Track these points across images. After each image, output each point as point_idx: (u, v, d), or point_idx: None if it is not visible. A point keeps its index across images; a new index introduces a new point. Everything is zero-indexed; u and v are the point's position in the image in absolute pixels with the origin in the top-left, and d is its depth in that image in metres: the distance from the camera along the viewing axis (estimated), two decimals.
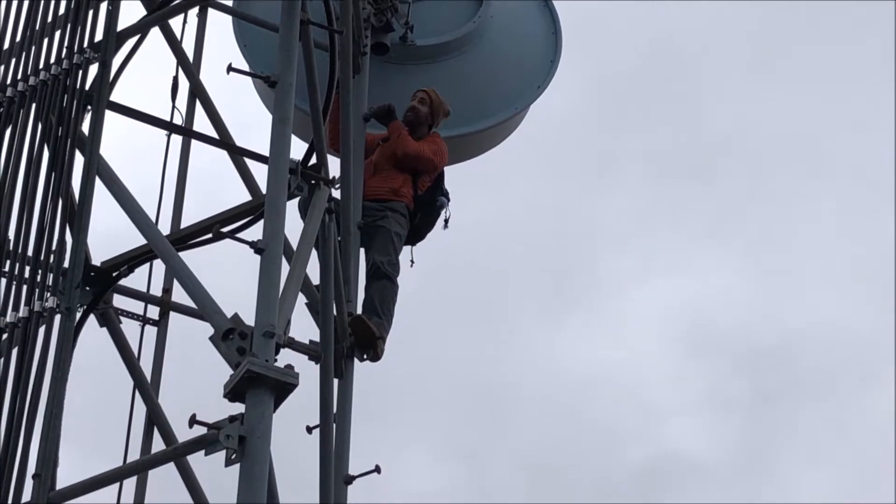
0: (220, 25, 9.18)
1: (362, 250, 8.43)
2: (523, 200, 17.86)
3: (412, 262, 8.62)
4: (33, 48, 7.46)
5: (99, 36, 7.47)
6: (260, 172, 7.60)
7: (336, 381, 7.84)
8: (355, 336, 7.99)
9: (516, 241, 17.59)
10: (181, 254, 7.10)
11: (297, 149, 7.41)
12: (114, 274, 7.62)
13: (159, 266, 8.31)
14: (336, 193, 7.86)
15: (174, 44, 8.60)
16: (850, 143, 18.57)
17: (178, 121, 8.60)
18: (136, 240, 7.48)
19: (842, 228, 18.62)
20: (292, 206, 7.53)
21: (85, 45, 7.39)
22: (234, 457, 6.23)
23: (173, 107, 8.68)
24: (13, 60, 7.49)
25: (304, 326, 7.73)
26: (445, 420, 17.27)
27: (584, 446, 17.85)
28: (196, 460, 7.46)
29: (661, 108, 18.58)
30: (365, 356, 8.07)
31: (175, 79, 8.74)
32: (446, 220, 8.72)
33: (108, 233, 7.76)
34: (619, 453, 18.19)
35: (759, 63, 18.89)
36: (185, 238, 7.54)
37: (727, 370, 18.82)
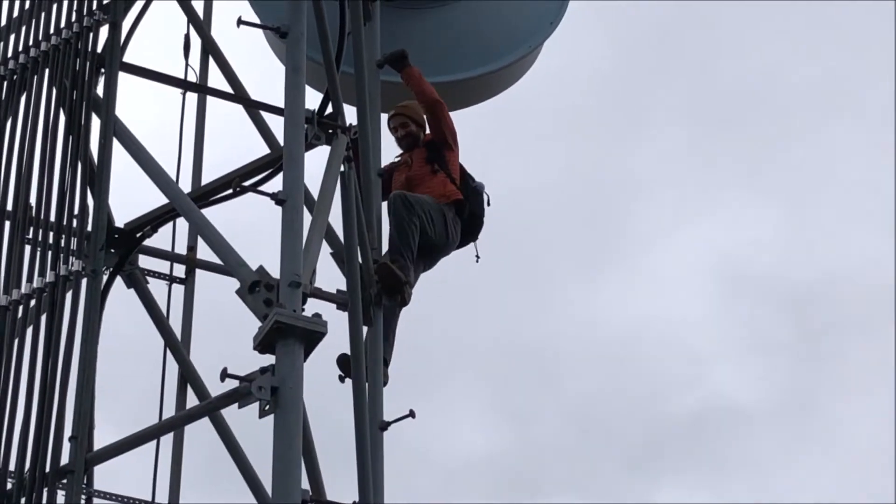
0: None
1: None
2: (555, 159, 17.84)
3: (477, 257, 8.65)
4: (43, 14, 7.45)
5: None
6: (277, 125, 7.60)
7: (365, 330, 7.85)
8: (382, 283, 8.00)
9: (550, 198, 17.59)
10: (203, 211, 7.12)
11: (314, 100, 7.43)
12: (137, 235, 7.64)
13: (182, 225, 8.34)
14: None
15: (184, 1, 8.57)
16: (877, 81, 18.42)
17: (192, 78, 8.59)
18: (158, 200, 7.51)
19: (873, 165, 18.50)
20: (311, 157, 7.52)
21: (94, 7, 7.39)
22: (267, 408, 6.26)
23: (186, 64, 8.68)
24: (24, 27, 7.48)
25: (331, 277, 7.75)
26: (491, 381, 17.32)
27: (630, 398, 17.89)
28: (231, 414, 7.50)
29: (685, 57, 18.52)
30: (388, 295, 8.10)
31: (187, 36, 8.72)
32: (488, 199, 8.73)
33: (130, 195, 7.78)
34: (665, 402, 18.22)
35: (783, 7, 18.73)
36: (207, 195, 7.53)
37: (768, 313, 18.79)
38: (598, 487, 17.74)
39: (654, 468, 18.10)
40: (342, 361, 7.87)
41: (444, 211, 8.47)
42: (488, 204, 8.68)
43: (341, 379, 7.90)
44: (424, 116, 8.78)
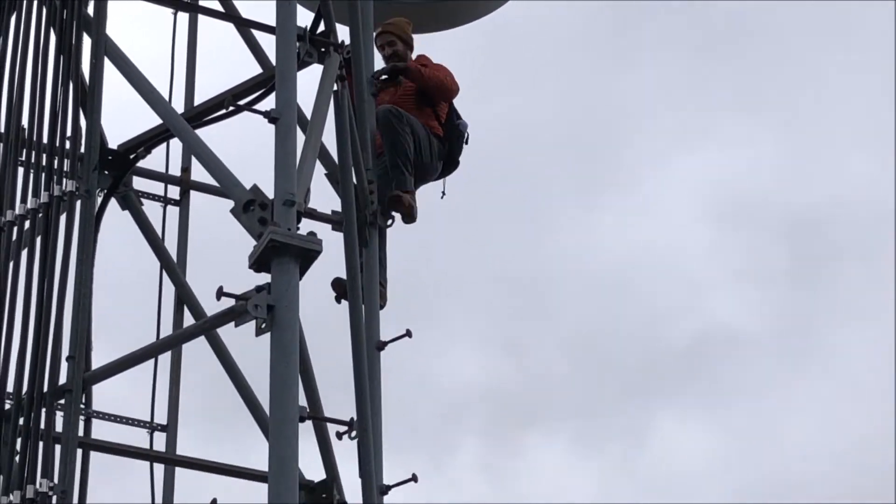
0: None
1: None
2: (549, 88, 17.75)
3: (444, 193, 8.61)
4: None
5: None
6: (269, 45, 7.56)
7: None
8: (397, 212, 8.07)
9: (545, 126, 17.52)
10: (197, 132, 7.08)
11: (306, 19, 7.36)
12: (131, 156, 7.62)
13: (176, 147, 8.33)
14: None
15: None
16: (874, 4, 18.27)
17: None
18: (151, 122, 7.48)
19: (870, 90, 18.39)
20: (304, 78, 7.49)
21: None
22: (263, 326, 6.27)
23: None
24: None
25: (326, 199, 7.74)
26: (487, 310, 17.33)
27: (627, 327, 17.92)
28: (227, 334, 7.52)
29: None
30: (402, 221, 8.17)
31: None
32: (466, 138, 8.66)
33: (123, 116, 7.75)
34: (662, 330, 18.26)
35: None
36: (200, 115, 7.49)
37: (765, 240, 18.78)
38: (596, 414, 17.84)
39: (651, 395, 18.19)
40: (337, 285, 7.88)
41: (430, 137, 8.44)
42: (466, 142, 8.62)
43: (337, 300, 7.92)
44: (412, 35, 8.71)
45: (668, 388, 18.33)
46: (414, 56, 8.79)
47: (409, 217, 8.18)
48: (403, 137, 8.22)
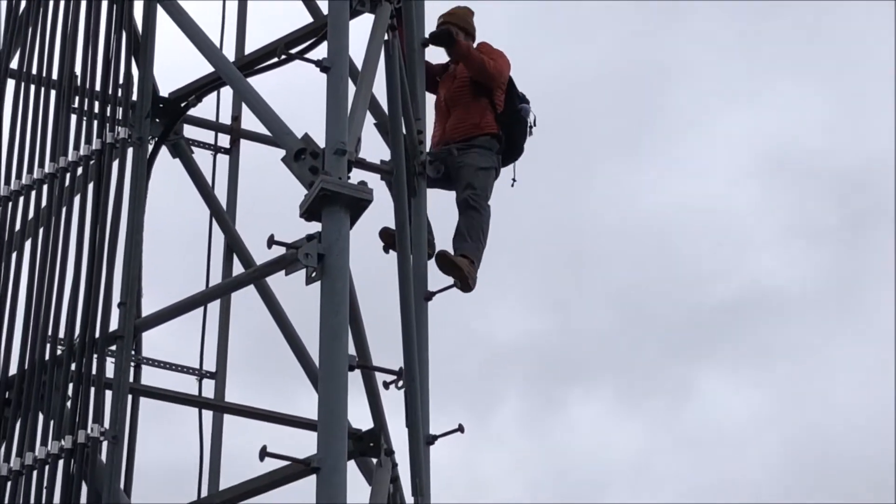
0: None
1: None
2: (597, 39, 17.64)
3: (514, 180, 8.55)
4: None
5: None
6: None
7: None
8: (450, 275, 7.92)
9: (590, 81, 17.41)
10: (248, 81, 7.09)
11: None
12: (182, 104, 7.63)
13: (226, 96, 8.35)
14: None
15: None
16: None
17: None
18: (202, 70, 7.49)
19: None
20: (355, 27, 7.47)
21: None
22: (314, 275, 6.29)
23: None
24: None
25: (375, 149, 7.74)
26: (533, 266, 17.27)
27: (672, 283, 17.82)
28: (276, 283, 7.55)
29: None
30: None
31: None
32: (531, 126, 8.56)
33: (174, 64, 7.76)
34: (708, 287, 18.16)
35: None
36: (252, 63, 7.50)
37: (812, 198, 18.65)
38: (639, 371, 17.82)
39: (695, 353, 18.14)
40: (385, 235, 7.89)
41: (490, 158, 8.33)
42: (534, 124, 8.55)
43: (385, 250, 7.93)
44: (473, 24, 8.64)
45: (713, 346, 18.29)
46: (475, 44, 8.72)
47: (466, 286, 7.95)
48: (479, 221, 8.17)
